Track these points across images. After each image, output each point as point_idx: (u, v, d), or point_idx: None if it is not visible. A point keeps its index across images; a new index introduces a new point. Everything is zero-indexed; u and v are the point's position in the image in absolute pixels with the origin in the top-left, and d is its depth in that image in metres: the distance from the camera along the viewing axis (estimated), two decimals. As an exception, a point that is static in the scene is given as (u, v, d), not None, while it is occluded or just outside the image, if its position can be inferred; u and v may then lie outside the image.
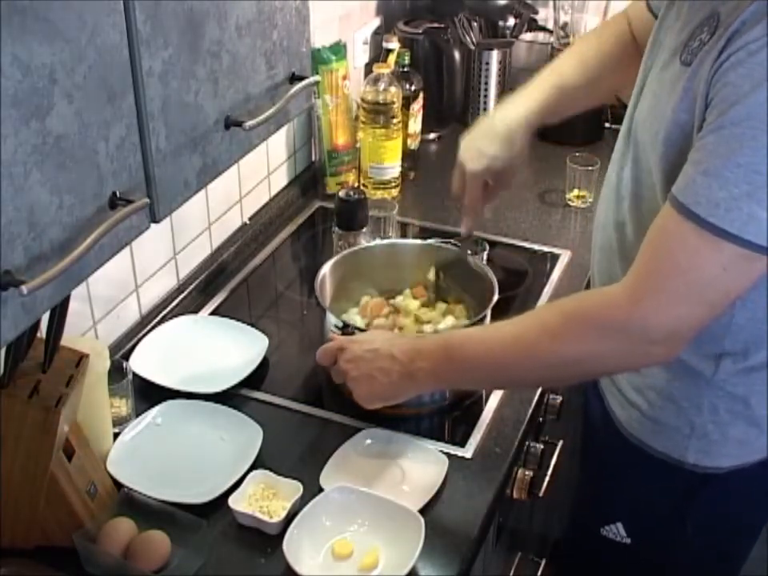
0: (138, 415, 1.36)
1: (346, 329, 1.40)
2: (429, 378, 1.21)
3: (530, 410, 1.42)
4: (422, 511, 1.20)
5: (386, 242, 1.69)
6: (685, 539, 1.35)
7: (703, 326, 1.07)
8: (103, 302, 1.47)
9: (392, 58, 2.03)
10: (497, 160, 1.43)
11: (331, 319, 1.43)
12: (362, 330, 1.40)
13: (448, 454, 1.31)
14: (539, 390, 1.46)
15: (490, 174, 1.45)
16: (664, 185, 1.10)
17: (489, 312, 1.42)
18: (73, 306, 1.07)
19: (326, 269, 1.50)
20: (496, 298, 1.43)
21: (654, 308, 1.04)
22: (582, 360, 1.11)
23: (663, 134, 1.09)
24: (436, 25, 2.21)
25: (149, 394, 1.41)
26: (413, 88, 2.09)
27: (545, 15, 2.36)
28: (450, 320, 1.51)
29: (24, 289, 0.74)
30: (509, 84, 2.37)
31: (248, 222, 1.86)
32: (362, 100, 1.96)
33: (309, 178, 2.07)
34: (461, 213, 1.56)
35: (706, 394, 1.22)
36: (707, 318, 1.06)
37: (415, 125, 2.12)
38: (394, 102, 1.95)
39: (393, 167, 2.00)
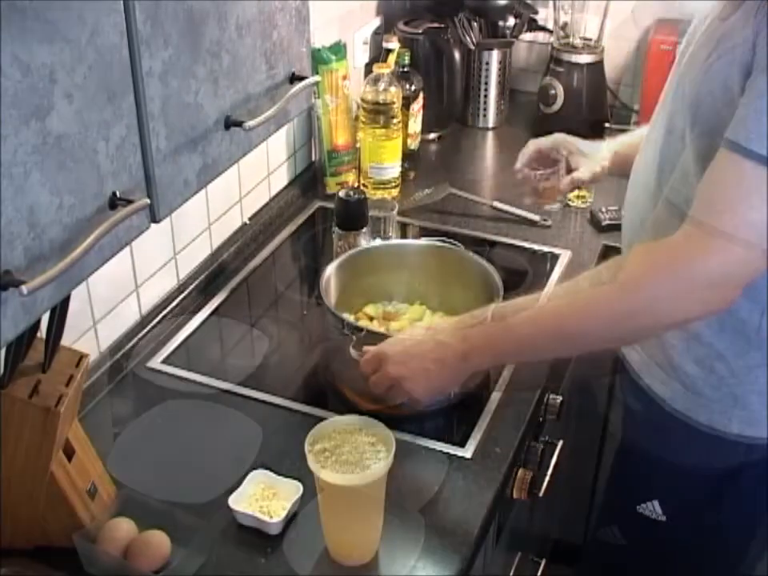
0: (138, 415, 1.36)
1: (360, 332, 1.37)
2: (484, 353, 1.21)
3: (530, 410, 1.42)
4: (422, 511, 1.20)
5: (391, 242, 1.68)
6: (719, 519, 1.36)
7: (759, 270, 1.06)
8: (103, 302, 1.47)
9: (392, 58, 2.03)
10: (573, 147, 1.61)
11: (347, 320, 1.40)
12: (380, 333, 1.38)
13: (448, 454, 1.31)
14: (539, 390, 1.46)
15: (558, 152, 1.61)
16: (699, 147, 1.11)
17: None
18: (73, 305, 1.07)
19: (330, 270, 1.49)
20: (501, 297, 1.43)
21: (711, 249, 1.04)
22: (642, 309, 1.10)
23: (705, 88, 1.10)
24: (436, 25, 2.21)
25: (149, 394, 1.40)
26: (413, 88, 2.09)
27: (545, 15, 2.36)
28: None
29: (24, 289, 0.74)
30: (509, 84, 2.37)
31: (248, 222, 1.86)
32: (362, 100, 1.96)
33: (309, 178, 2.06)
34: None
35: (750, 358, 1.23)
36: (762, 261, 1.05)
37: (415, 125, 2.12)
38: (394, 102, 1.95)
39: (393, 167, 2.00)
